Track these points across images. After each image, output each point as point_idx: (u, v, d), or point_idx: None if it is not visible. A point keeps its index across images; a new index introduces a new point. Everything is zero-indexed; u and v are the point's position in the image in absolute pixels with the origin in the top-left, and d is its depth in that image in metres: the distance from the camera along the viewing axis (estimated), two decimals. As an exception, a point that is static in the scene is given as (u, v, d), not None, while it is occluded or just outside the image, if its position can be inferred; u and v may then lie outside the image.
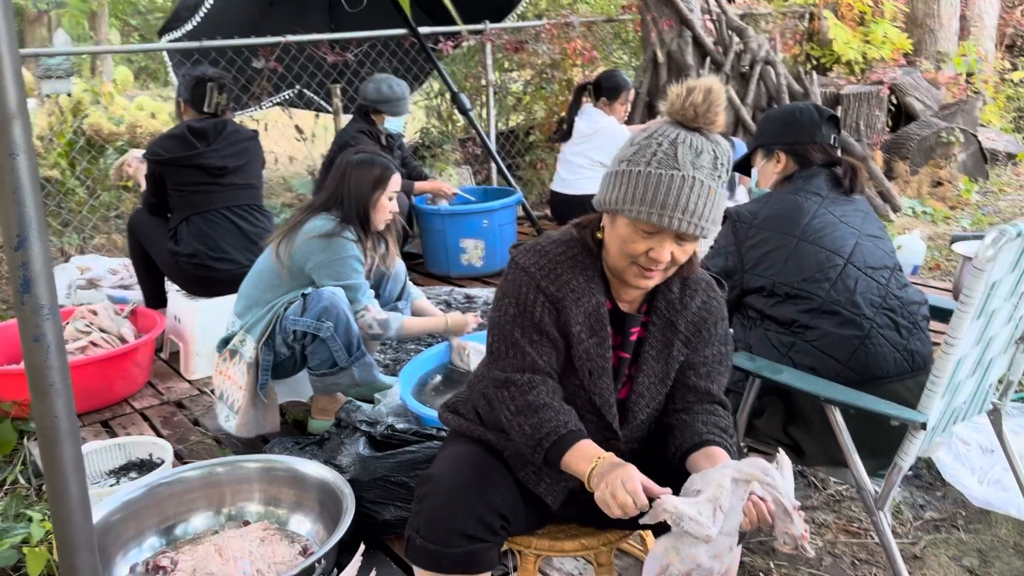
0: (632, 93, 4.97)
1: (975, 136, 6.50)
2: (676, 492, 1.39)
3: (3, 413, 2.90)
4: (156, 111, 6.70)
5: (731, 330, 1.74)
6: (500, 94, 6.80)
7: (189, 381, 3.49)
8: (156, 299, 3.74)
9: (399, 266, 3.11)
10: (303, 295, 2.71)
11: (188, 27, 5.08)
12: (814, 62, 7.40)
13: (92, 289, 4.15)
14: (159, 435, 2.98)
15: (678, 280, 1.61)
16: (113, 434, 3.02)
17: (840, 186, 2.22)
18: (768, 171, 2.31)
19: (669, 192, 1.40)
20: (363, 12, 5.73)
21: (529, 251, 1.57)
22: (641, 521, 1.35)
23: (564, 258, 1.56)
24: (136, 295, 3.91)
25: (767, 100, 6.11)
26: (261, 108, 6.22)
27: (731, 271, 2.17)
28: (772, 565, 2.20)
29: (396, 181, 2.87)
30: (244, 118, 6.06)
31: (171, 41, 5.12)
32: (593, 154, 4.71)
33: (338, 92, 5.40)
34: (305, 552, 2.15)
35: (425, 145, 6.30)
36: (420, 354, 2.99)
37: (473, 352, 2.94)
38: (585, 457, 1.44)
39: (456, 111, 6.30)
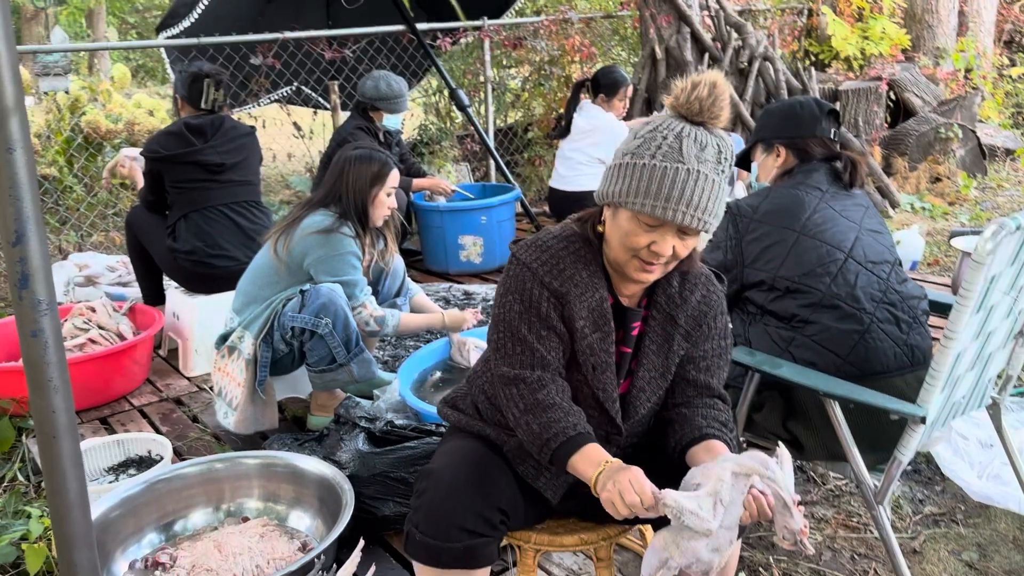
0: (630, 89, 4.97)
1: (973, 132, 6.50)
2: (676, 487, 1.39)
3: (2, 410, 2.90)
4: (154, 108, 6.69)
5: (730, 325, 1.74)
6: (498, 90, 6.80)
7: (188, 378, 3.49)
8: (154, 296, 3.74)
9: (398, 262, 3.11)
10: (301, 291, 2.71)
11: (186, 24, 5.07)
12: (812, 58, 7.40)
13: (90, 286, 4.14)
14: (158, 432, 2.98)
15: (678, 274, 1.61)
16: (112, 431, 3.02)
17: (840, 180, 2.22)
18: (768, 165, 2.31)
19: (674, 185, 1.40)
20: (361, 8, 5.73)
21: (530, 247, 1.57)
22: (640, 515, 1.35)
23: (566, 253, 1.55)
24: (134, 292, 3.91)
25: (766, 96, 6.11)
26: (259, 105, 6.21)
27: (730, 265, 2.17)
28: (771, 560, 2.20)
29: (395, 177, 2.87)
30: (242, 115, 6.05)
31: (169, 38, 5.11)
32: (591, 151, 4.70)
33: (336, 89, 5.40)
34: (304, 548, 2.15)
35: (423, 142, 6.29)
36: (419, 350, 2.99)
37: (473, 348, 2.93)
38: (592, 461, 1.43)
39: (454, 108, 6.30)
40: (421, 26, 5.60)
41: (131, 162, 3.75)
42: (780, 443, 1.51)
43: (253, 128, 3.67)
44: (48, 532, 2.22)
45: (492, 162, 6.03)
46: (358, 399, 2.56)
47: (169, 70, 5.36)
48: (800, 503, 1.37)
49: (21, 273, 1.01)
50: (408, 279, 3.16)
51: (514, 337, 1.54)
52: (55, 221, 5.31)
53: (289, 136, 6.36)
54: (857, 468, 1.93)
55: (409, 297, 3.13)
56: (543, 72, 6.53)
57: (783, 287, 2.09)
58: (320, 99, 6.44)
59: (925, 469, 2.64)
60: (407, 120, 6.54)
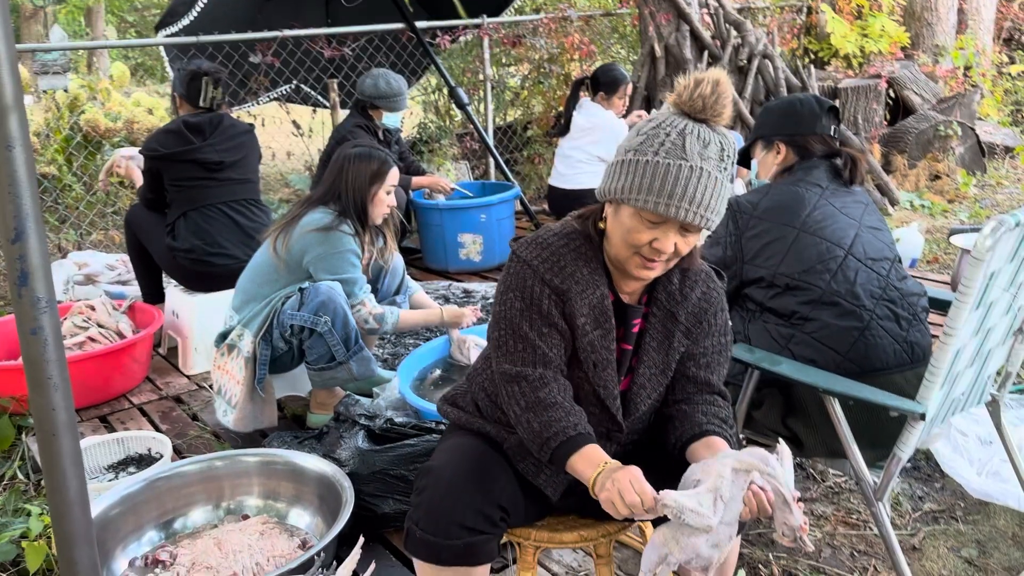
0: (630, 87, 4.96)
1: (973, 130, 6.50)
2: (676, 484, 1.39)
3: (1, 408, 2.90)
4: (153, 107, 6.68)
5: (730, 322, 1.74)
6: (498, 89, 6.79)
7: (187, 376, 3.49)
8: (154, 294, 3.74)
9: (397, 260, 3.11)
10: (300, 289, 2.71)
11: (185, 22, 5.07)
12: (812, 56, 7.40)
13: (90, 285, 4.14)
14: (158, 430, 2.98)
15: (678, 271, 1.61)
16: (112, 429, 3.02)
17: (840, 177, 2.21)
18: (768, 162, 2.31)
19: (677, 182, 1.40)
20: (360, 7, 5.73)
21: (530, 244, 1.57)
22: (640, 515, 1.35)
23: (567, 250, 1.55)
24: (134, 290, 3.91)
25: (765, 94, 6.11)
26: (258, 103, 6.21)
27: (729, 261, 2.17)
28: (771, 557, 2.20)
29: (394, 175, 2.87)
30: (241, 113, 6.05)
31: (168, 36, 5.11)
32: (591, 149, 4.70)
33: (335, 87, 5.39)
34: (304, 545, 2.15)
35: (423, 140, 6.29)
36: (419, 348, 2.99)
37: (473, 346, 2.93)
38: (591, 462, 1.43)
39: (454, 106, 6.29)
40: (420, 24, 5.60)
41: (127, 162, 3.75)
42: (780, 439, 1.51)
43: (252, 126, 3.67)
44: (48, 530, 2.22)
45: (491, 160, 6.03)
46: (358, 397, 2.56)
47: (168, 68, 5.36)
48: (800, 500, 1.37)
49: (20, 271, 1.01)
50: (407, 277, 3.16)
51: (515, 334, 1.54)
52: (54, 219, 5.31)
53: (288, 134, 6.36)
54: (857, 465, 1.93)
55: (408, 295, 3.13)
56: (542, 70, 6.53)
57: (783, 284, 2.09)
58: (319, 97, 6.43)
59: (924, 466, 2.64)
60: (406, 118, 6.54)
